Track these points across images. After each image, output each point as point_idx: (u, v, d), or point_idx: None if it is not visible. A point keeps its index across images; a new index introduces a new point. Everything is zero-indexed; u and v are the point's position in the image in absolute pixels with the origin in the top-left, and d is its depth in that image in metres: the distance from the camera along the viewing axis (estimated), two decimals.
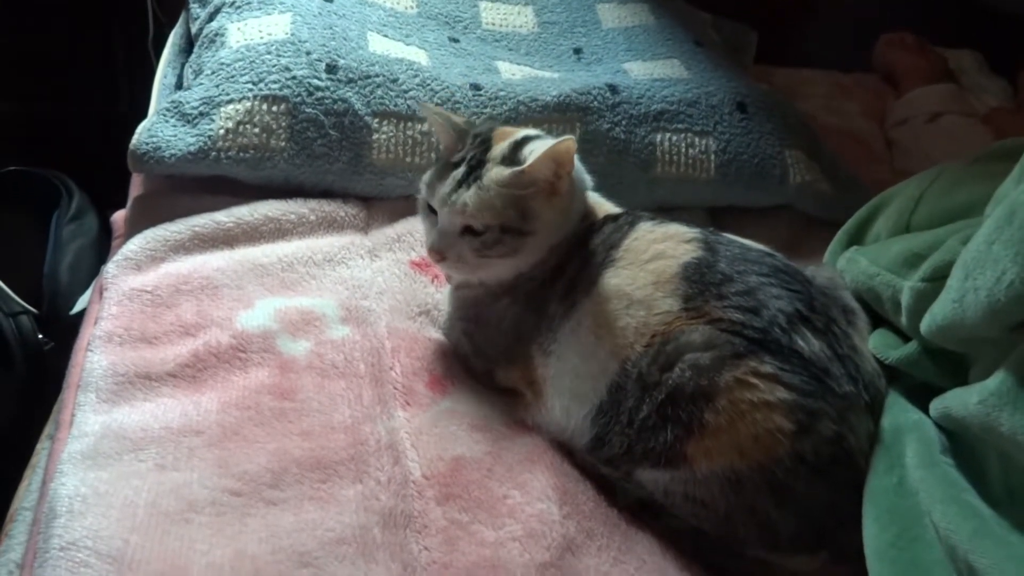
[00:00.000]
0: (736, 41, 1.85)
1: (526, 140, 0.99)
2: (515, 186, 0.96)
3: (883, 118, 1.82)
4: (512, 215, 0.97)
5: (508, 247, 0.98)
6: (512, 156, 0.98)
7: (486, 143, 1.00)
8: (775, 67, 1.97)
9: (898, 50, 1.95)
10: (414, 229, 1.23)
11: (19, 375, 1.35)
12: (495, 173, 0.97)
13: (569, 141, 0.95)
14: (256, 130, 1.25)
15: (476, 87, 1.37)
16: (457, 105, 1.34)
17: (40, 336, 1.39)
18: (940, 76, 1.85)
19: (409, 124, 1.31)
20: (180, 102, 1.27)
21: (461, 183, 0.97)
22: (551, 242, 1.01)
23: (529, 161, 0.95)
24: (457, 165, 0.99)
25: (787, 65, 2.00)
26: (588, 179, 1.07)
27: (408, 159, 1.30)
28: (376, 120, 1.31)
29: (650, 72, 1.52)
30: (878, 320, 0.97)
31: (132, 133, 1.25)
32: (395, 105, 1.32)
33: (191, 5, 1.53)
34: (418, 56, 1.44)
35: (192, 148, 1.23)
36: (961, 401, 0.76)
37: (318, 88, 1.29)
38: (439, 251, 0.99)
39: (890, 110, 1.81)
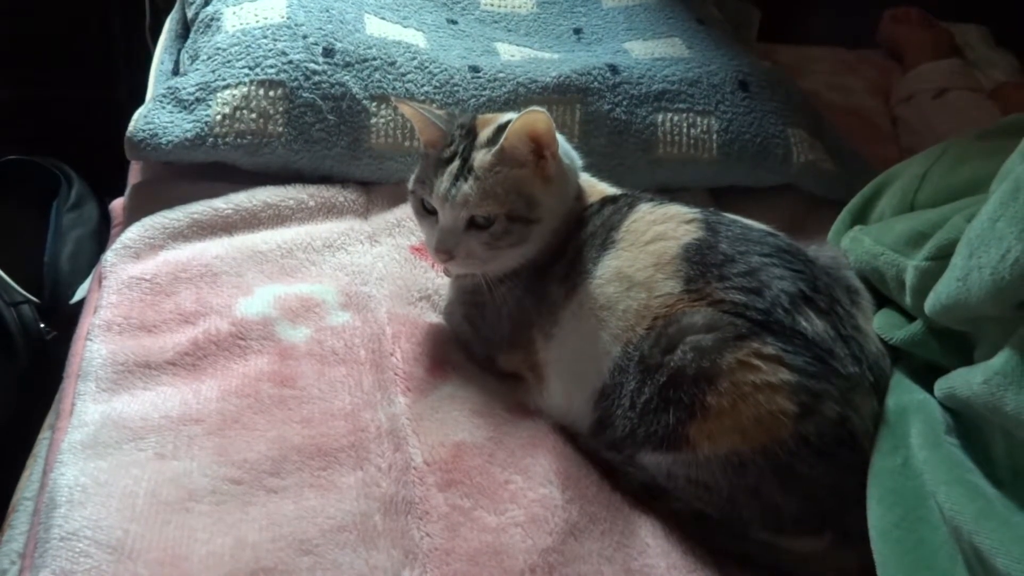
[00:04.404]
0: (738, 18, 1.83)
1: (509, 123, 0.98)
2: (501, 166, 0.95)
3: (888, 95, 1.80)
4: (516, 202, 0.96)
5: (517, 236, 0.97)
6: (495, 139, 0.97)
7: (472, 132, 0.99)
8: (778, 44, 1.95)
9: (903, 25, 1.92)
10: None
11: (21, 364, 1.35)
12: (480, 158, 0.96)
13: (537, 113, 0.93)
14: (253, 115, 1.25)
15: (475, 69, 1.36)
16: (456, 88, 1.33)
17: (42, 325, 1.39)
18: (946, 51, 1.82)
19: None
20: (176, 88, 1.27)
21: (458, 176, 0.96)
22: (553, 227, 1.00)
23: (503, 136, 0.95)
24: (450, 160, 0.97)
25: (790, 42, 1.98)
26: (578, 160, 1.06)
27: (407, 143, 1.29)
28: (374, 104, 1.29)
29: (651, 51, 1.50)
30: (882, 300, 0.96)
31: (130, 120, 1.24)
32: (393, 88, 1.30)
33: None
34: (416, 38, 1.43)
35: (189, 134, 1.22)
36: (966, 381, 0.75)
37: (315, 72, 1.28)
38: (446, 250, 0.97)
39: (895, 86, 1.79)
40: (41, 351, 1.37)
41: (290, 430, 0.93)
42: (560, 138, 1.00)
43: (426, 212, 1.00)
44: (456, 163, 0.97)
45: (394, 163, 1.30)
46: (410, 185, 1.02)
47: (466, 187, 0.95)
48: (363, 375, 1.01)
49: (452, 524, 0.87)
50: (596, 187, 1.07)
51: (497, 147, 0.95)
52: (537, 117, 0.94)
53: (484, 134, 0.99)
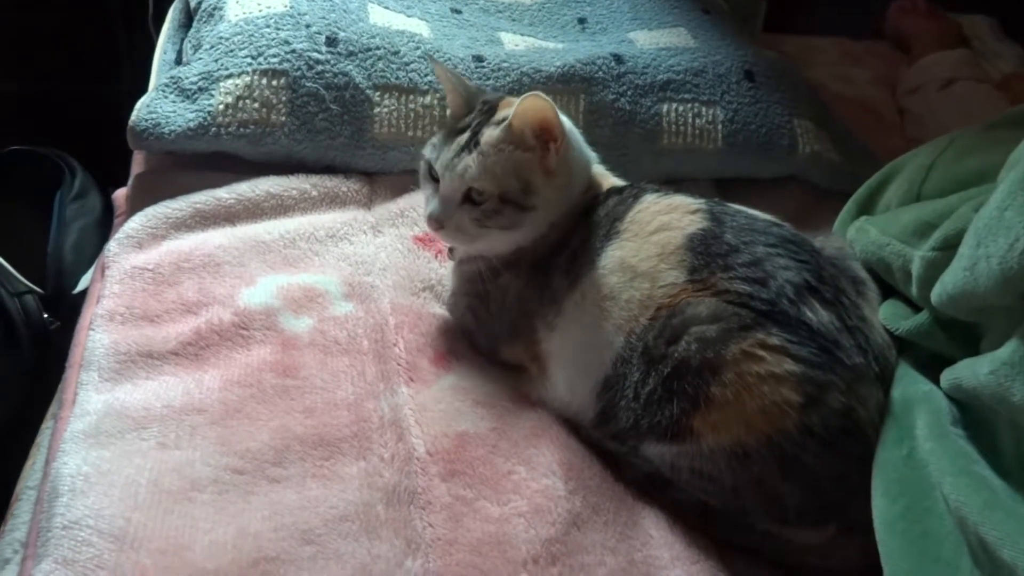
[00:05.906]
0: (744, 9, 1.83)
1: None
2: (506, 144, 0.96)
3: (895, 86, 1.79)
4: (512, 185, 0.96)
5: (507, 219, 0.97)
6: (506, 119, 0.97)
7: (491, 111, 1.00)
8: (784, 35, 1.94)
9: (910, 16, 1.91)
10: (417, 204, 1.22)
11: (25, 355, 1.35)
12: (488, 134, 0.96)
13: (541, 100, 0.93)
14: (256, 105, 1.24)
15: (479, 59, 1.35)
16: None
17: (45, 316, 1.38)
18: (953, 42, 1.81)
19: (411, 97, 1.30)
20: (179, 78, 1.26)
21: (464, 148, 0.97)
22: (551, 219, 1.00)
23: (511, 114, 0.95)
24: (462, 131, 0.98)
25: (796, 33, 1.98)
26: (591, 153, 1.06)
27: (410, 133, 1.29)
28: (377, 93, 1.29)
29: (656, 41, 1.49)
30: (888, 291, 0.95)
31: (133, 110, 1.24)
32: (396, 78, 1.30)
33: None
34: (419, 28, 1.42)
35: (192, 124, 1.22)
36: (972, 372, 0.75)
37: (318, 62, 1.27)
38: (438, 219, 0.98)
39: (902, 77, 1.78)
40: (44, 341, 1.37)
41: (293, 420, 0.93)
42: (575, 132, 0.99)
43: (431, 178, 1.00)
44: (466, 135, 0.97)
45: (397, 153, 1.29)
46: (427, 144, 1.03)
47: (468, 159, 0.96)
48: (366, 365, 1.01)
49: (455, 514, 0.87)
50: (607, 179, 1.07)
51: (505, 123, 0.96)
52: (543, 105, 0.94)
53: (500, 115, 0.99)
